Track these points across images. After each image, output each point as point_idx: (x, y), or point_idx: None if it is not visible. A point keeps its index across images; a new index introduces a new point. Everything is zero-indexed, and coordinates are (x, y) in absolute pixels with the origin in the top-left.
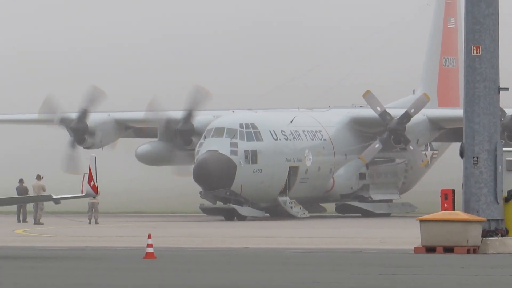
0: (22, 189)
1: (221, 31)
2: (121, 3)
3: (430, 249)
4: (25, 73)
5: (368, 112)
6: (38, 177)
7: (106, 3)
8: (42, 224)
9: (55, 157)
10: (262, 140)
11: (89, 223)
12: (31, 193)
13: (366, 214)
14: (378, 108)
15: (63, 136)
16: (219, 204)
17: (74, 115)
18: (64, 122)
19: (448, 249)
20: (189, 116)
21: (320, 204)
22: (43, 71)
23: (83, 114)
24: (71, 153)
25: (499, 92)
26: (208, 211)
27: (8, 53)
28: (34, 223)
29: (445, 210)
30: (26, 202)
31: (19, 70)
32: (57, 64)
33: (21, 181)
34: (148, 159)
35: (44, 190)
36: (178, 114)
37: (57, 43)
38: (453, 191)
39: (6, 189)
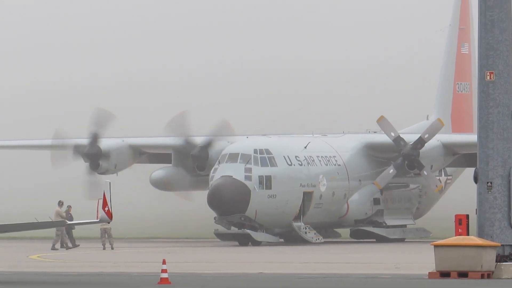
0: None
1: (234, 57)
2: (132, 41)
3: (445, 274)
4: (37, 102)
5: (382, 138)
6: (60, 204)
7: (116, 37)
8: (57, 249)
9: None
10: (277, 166)
11: (104, 248)
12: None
13: (381, 239)
14: (392, 134)
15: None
16: (234, 229)
17: (85, 141)
18: (77, 150)
19: (462, 274)
20: (208, 144)
21: (335, 229)
22: (53, 99)
23: (94, 138)
24: (91, 179)
25: None
26: (223, 237)
27: (23, 83)
28: (51, 249)
29: (459, 235)
30: (41, 227)
31: (31, 98)
32: (69, 92)
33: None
34: (163, 184)
35: (62, 216)
36: (198, 140)
37: (72, 74)
38: (467, 216)
39: (41, 215)
